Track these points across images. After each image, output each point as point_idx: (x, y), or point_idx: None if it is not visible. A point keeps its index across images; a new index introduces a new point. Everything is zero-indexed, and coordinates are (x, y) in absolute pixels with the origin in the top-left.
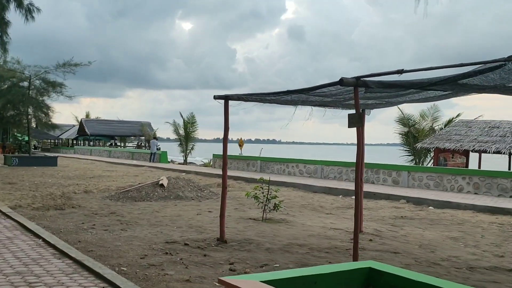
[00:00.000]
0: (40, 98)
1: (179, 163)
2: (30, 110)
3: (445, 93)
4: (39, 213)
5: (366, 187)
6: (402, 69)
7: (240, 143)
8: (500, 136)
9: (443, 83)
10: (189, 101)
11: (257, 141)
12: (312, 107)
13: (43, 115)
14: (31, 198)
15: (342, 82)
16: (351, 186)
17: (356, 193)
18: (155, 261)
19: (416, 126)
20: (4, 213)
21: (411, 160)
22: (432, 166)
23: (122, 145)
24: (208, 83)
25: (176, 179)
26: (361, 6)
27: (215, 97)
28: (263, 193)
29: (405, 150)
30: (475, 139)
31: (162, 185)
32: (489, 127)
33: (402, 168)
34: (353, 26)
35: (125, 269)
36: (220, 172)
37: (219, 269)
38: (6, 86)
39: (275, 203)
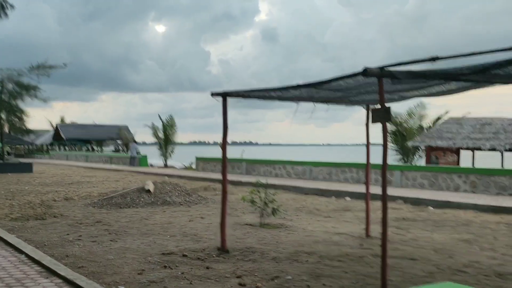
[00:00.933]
0: (13, 102)
1: (159, 167)
2: (2, 115)
3: (467, 84)
4: (18, 224)
5: (359, 188)
6: (436, 56)
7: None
8: (493, 133)
9: (490, 71)
10: (164, 104)
11: (234, 143)
12: (315, 104)
13: (17, 120)
14: (8, 208)
15: (365, 72)
16: (342, 187)
17: (384, 199)
18: (155, 276)
19: (403, 124)
20: None
21: (400, 159)
22: (424, 165)
23: (98, 149)
24: (182, 85)
25: (162, 184)
26: (334, 7)
27: (213, 94)
28: (260, 197)
29: (393, 149)
30: (468, 136)
31: (148, 190)
32: (481, 124)
33: (394, 167)
34: (326, 27)
35: (123, 287)
36: (205, 175)
37: (226, 284)
38: None
39: (273, 208)
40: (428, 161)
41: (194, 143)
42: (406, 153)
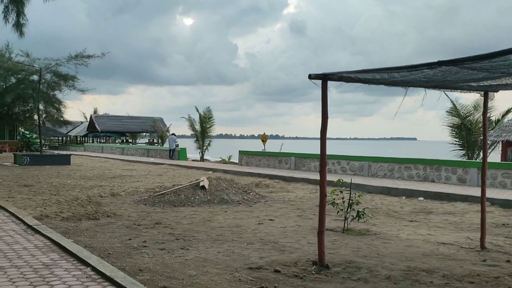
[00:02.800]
0: (52, 93)
1: (194, 160)
2: (41, 106)
3: None
4: (71, 225)
5: (431, 187)
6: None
7: (263, 138)
8: None
9: None
10: (191, 97)
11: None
12: (426, 90)
13: (55, 111)
14: (56, 205)
15: None
16: (411, 185)
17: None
18: None
19: (469, 118)
20: (30, 227)
21: (463, 155)
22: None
23: (132, 141)
24: (209, 79)
25: (217, 180)
26: (363, 0)
27: (311, 77)
28: (342, 198)
29: (456, 143)
30: None
31: (203, 187)
32: None
33: (470, 164)
34: (354, 20)
35: None
36: (251, 170)
37: None
38: (15, 80)
39: (358, 211)
40: (504, 158)
41: (220, 136)
42: (472, 148)
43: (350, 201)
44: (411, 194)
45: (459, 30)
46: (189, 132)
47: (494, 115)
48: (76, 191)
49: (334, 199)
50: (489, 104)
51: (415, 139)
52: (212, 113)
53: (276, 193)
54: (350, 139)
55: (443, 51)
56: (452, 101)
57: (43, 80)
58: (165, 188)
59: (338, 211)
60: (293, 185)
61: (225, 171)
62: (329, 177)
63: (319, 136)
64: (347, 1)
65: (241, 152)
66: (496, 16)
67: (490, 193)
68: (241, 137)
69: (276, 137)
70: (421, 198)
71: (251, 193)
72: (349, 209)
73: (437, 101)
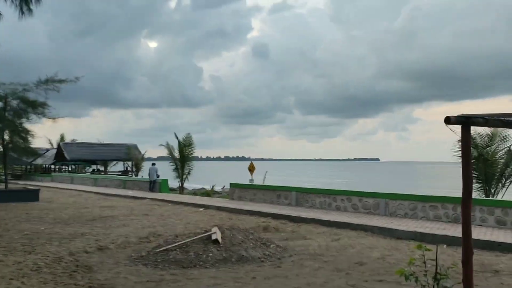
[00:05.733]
0: (18, 121)
1: (171, 188)
2: (5, 135)
3: None
4: None
5: (473, 231)
6: None
7: (251, 167)
8: None
9: None
10: (156, 120)
11: (227, 158)
12: None
13: (21, 141)
14: (36, 275)
15: None
16: (446, 229)
17: None
18: None
19: (488, 148)
20: None
21: (479, 188)
22: None
23: (104, 170)
24: (175, 101)
25: (231, 231)
26: (324, 24)
27: (449, 121)
28: (425, 266)
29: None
30: None
31: (216, 240)
32: None
33: (509, 204)
34: (316, 44)
35: None
36: (249, 207)
37: None
38: None
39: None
40: None
41: (187, 158)
42: (489, 181)
43: (438, 275)
44: (451, 241)
45: (417, 54)
46: (159, 153)
47: (507, 145)
48: (55, 245)
49: (413, 273)
50: (503, 132)
51: (378, 159)
52: (192, 139)
53: (292, 241)
54: (315, 160)
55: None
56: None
57: (9, 107)
58: (166, 240)
59: (416, 285)
60: (305, 227)
61: (218, 208)
62: (338, 216)
63: (283, 157)
64: (309, 25)
65: (232, 185)
66: (451, 40)
67: None
68: (208, 159)
69: (242, 158)
70: (463, 248)
71: (271, 246)
72: (435, 285)
73: (398, 123)
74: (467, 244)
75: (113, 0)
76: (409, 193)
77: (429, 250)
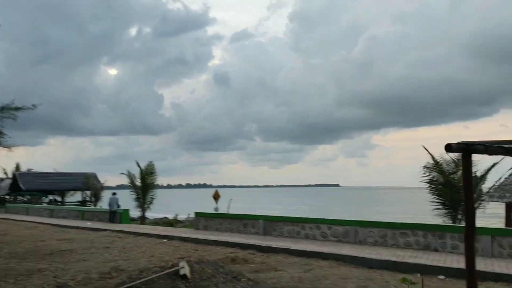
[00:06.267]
0: None
1: (132, 218)
2: None
3: None
4: None
5: (448, 260)
6: None
7: (216, 195)
8: None
9: None
10: (116, 147)
11: (188, 185)
12: None
13: None
14: None
15: None
16: (419, 258)
17: None
18: None
19: (454, 175)
20: None
21: (446, 214)
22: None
23: (61, 201)
24: (135, 128)
25: (200, 264)
26: (284, 53)
27: (450, 148)
28: None
29: (438, 201)
30: None
31: (184, 276)
32: None
33: (481, 231)
34: (277, 72)
35: None
36: (215, 237)
37: None
38: None
39: None
40: (509, 222)
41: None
42: (456, 207)
43: None
44: (427, 271)
45: (374, 82)
46: (119, 182)
47: (475, 170)
48: (10, 282)
49: None
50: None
51: (338, 185)
52: (154, 167)
53: (263, 273)
54: (277, 186)
55: (361, 101)
56: (433, 157)
57: None
58: (129, 276)
59: None
60: (274, 257)
61: (183, 239)
62: (308, 245)
63: (246, 184)
64: (269, 53)
65: (197, 214)
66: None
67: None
68: (169, 187)
69: (204, 186)
70: (442, 277)
71: (242, 279)
72: None
73: (358, 149)
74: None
75: (72, 28)
76: (379, 220)
77: (414, 283)
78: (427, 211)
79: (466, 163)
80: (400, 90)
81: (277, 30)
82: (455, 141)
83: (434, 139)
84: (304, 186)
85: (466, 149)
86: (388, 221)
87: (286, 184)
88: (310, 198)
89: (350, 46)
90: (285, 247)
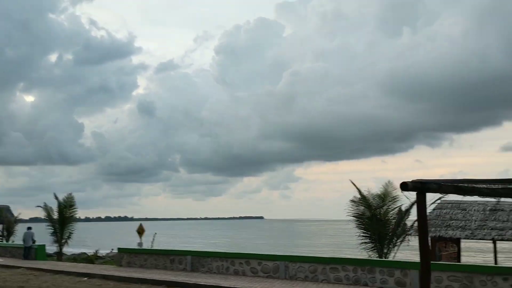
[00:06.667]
0: None
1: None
2: None
3: None
4: None
5: None
6: None
7: (140, 229)
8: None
9: None
10: (30, 178)
11: (108, 218)
12: None
13: None
14: None
15: None
16: None
17: None
18: None
19: (380, 209)
20: None
21: (372, 248)
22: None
23: None
24: (51, 158)
25: None
26: (210, 85)
27: (404, 187)
28: None
29: (365, 235)
30: (485, 225)
31: None
32: (490, 209)
33: (409, 265)
34: (202, 103)
35: None
36: (138, 274)
37: None
38: None
39: None
40: (433, 255)
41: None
42: (382, 241)
43: None
44: None
45: (297, 116)
46: (32, 215)
47: (397, 205)
48: None
49: None
50: (394, 193)
51: (262, 217)
52: (74, 199)
53: None
54: (201, 219)
55: (284, 135)
56: (360, 191)
57: None
58: None
59: None
60: None
61: (105, 277)
62: (238, 282)
63: (169, 216)
64: (195, 85)
65: (120, 250)
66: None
67: None
68: (87, 219)
69: (125, 218)
70: None
71: None
72: None
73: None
74: None
75: None
76: (309, 255)
77: None
78: (350, 244)
79: (421, 201)
80: (322, 124)
81: (203, 62)
82: (374, 176)
83: (354, 173)
84: (229, 219)
85: (421, 188)
86: (318, 255)
87: (210, 217)
88: (234, 231)
89: (274, 80)
90: (214, 285)
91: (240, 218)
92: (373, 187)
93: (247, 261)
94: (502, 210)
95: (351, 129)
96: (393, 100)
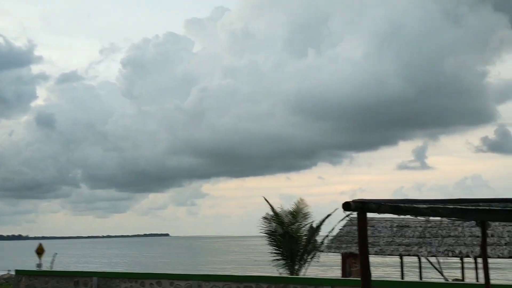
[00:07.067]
0: None
1: None
2: None
3: None
4: None
5: None
6: None
7: (39, 250)
8: (419, 238)
9: None
10: None
11: (1, 237)
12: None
13: None
14: None
15: None
16: None
17: None
18: None
19: (293, 226)
20: None
21: (284, 265)
22: (341, 277)
23: None
24: None
25: None
26: (116, 98)
27: (349, 207)
28: None
29: (277, 252)
30: (392, 241)
31: None
32: (396, 226)
33: (323, 282)
34: (107, 117)
35: None
36: None
37: None
38: None
39: None
40: (344, 272)
41: None
42: (294, 257)
43: None
44: None
45: (205, 132)
46: None
47: (308, 222)
48: None
49: None
50: (305, 209)
51: (168, 235)
52: None
53: None
54: (103, 237)
55: (192, 151)
56: (273, 208)
57: None
58: None
59: None
60: None
61: None
62: None
63: (68, 234)
64: (100, 97)
65: (18, 272)
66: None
67: None
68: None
69: (19, 237)
70: None
71: None
72: None
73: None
74: None
75: None
76: (223, 274)
77: None
78: (257, 261)
79: (361, 220)
80: (230, 141)
81: (109, 74)
82: (279, 193)
83: (260, 189)
84: (133, 236)
85: (362, 208)
86: (232, 274)
87: (113, 234)
88: (139, 249)
89: (183, 96)
90: None
91: (145, 235)
92: (278, 203)
93: (158, 281)
94: (408, 226)
95: (258, 146)
96: (298, 118)
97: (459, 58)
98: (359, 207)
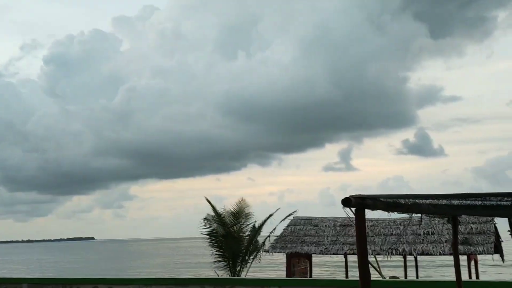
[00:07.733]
0: None
1: None
2: None
3: None
4: None
5: None
6: None
7: None
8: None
9: None
10: None
11: None
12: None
13: None
14: None
15: None
16: None
17: None
18: None
19: (235, 227)
20: None
21: (225, 267)
22: (286, 277)
23: None
24: None
25: None
26: (38, 96)
27: (349, 203)
28: None
29: (218, 253)
30: (337, 240)
31: None
32: (340, 225)
33: (270, 283)
34: (28, 116)
35: None
36: None
37: None
38: None
39: None
40: (289, 272)
41: None
42: (235, 258)
43: None
44: None
45: (133, 133)
46: None
47: (251, 222)
48: None
49: None
50: (247, 210)
51: (93, 238)
52: None
53: None
54: (23, 241)
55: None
56: (214, 209)
57: None
58: None
59: None
60: None
61: None
62: None
63: None
64: (20, 96)
65: None
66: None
67: None
68: None
69: None
70: None
71: None
72: None
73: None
74: None
75: None
76: (167, 277)
77: None
78: (188, 263)
79: (360, 217)
80: (159, 142)
81: (30, 72)
82: (210, 194)
83: (191, 190)
84: (55, 241)
85: (361, 204)
86: (175, 277)
87: (34, 239)
88: (63, 253)
89: (110, 95)
90: None
91: (69, 239)
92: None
93: (95, 287)
94: (351, 225)
95: (188, 147)
96: (229, 120)
97: (382, 64)
98: (358, 203)
